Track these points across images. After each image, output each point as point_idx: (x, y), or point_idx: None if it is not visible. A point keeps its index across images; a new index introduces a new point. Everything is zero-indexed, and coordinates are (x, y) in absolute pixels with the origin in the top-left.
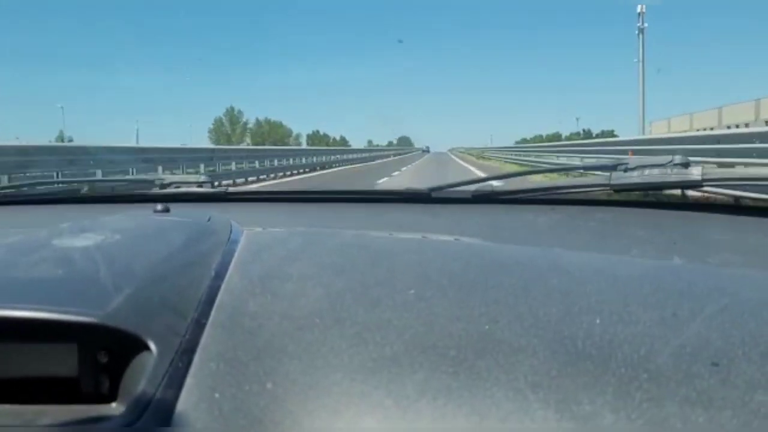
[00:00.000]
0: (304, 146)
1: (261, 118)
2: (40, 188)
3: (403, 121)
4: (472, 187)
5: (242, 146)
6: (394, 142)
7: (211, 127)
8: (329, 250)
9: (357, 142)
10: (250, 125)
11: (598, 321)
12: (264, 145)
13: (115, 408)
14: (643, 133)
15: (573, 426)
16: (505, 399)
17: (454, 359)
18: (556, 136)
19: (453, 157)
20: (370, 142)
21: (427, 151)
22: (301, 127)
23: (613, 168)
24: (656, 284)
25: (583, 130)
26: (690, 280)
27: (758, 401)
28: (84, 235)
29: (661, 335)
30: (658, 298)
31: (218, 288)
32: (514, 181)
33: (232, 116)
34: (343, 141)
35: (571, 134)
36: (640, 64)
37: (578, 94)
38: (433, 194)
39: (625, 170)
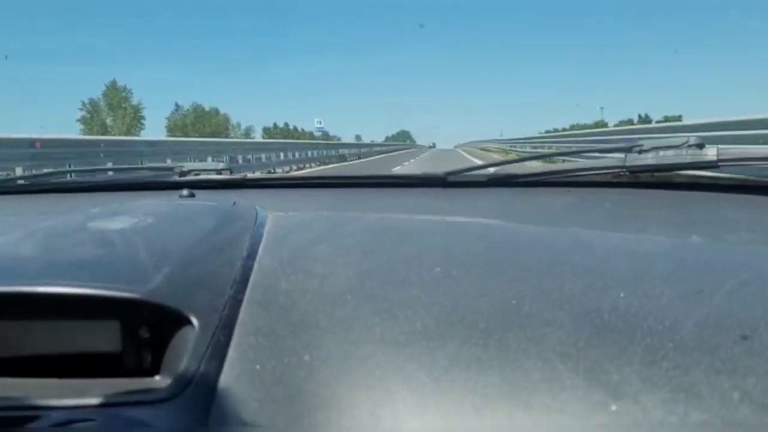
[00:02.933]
0: (257, 139)
1: (186, 104)
2: (60, 177)
3: (404, 114)
4: (488, 171)
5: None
6: (390, 137)
7: (83, 111)
8: (354, 232)
9: (344, 137)
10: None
11: (622, 295)
12: (189, 136)
13: (159, 381)
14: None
15: (602, 394)
16: (535, 369)
17: (483, 332)
18: (600, 124)
19: (464, 153)
20: (358, 137)
21: (432, 147)
22: (264, 120)
23: (627, 150)
24: (677, 261)
25: (641, 116)
26: (710, 257)
27: None
28: (118, 218)
29: (684, 308)
30: (679, 274)
31: (251, 268)
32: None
33: (114, 96)
34: (326, 136)
35: (621, 122)
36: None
37: (600, 81)
38: (449, 178)
39: (640, 152)
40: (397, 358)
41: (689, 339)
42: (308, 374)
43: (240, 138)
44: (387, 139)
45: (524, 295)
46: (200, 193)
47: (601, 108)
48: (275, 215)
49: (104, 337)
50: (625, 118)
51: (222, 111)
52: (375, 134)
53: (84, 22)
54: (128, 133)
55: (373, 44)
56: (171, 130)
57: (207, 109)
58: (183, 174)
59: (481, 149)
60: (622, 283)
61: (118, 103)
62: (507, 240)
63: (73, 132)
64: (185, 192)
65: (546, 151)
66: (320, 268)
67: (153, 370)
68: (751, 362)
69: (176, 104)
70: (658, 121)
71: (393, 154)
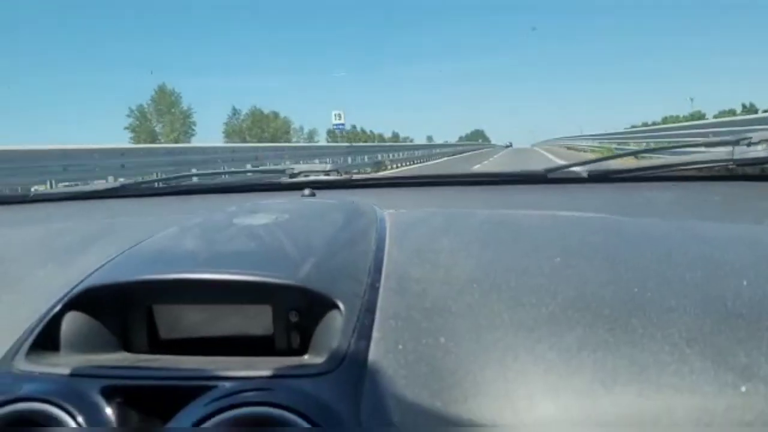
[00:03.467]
0: (321, 143)
1: (243, 108)
2: (186, 180)
3: (477, 113)
4: (587, 167)
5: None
6: (464, 137)
7: (130, 117)
8: (469, 226)
9: (416, 139)
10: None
11: (744, 283)
12: (245, 141)
13: (310, 359)
14: None
15: (732, 376)
16: (662, 352)
17: (608, 318)
18: (697, 116)
19: (544, 153)
20: (429, 138)
21: (509, 146)
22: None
23: (735, 143)
24: None
25: (745, 106)
26: None
27: None
28: (258, 215)
29: None
30: None
31: (381, 259)
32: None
33: (165, 99)
34: (395, 137)
35: (721, 112)
36: None
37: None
38: (549, 175)
39: (749, 144)
40: (526, 340)
41: None
42: (444, 354)
43: (304, 142)
44: (461, 138)
45: (646, 283)
46: (317, 193)
47: (691, 99)
48: (389, 212)
49: (257, 322)
50: (726, 108)
51: (282, 114)
52: (448, 134)
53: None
54: (178, 140)
55: (442, 49)
56: (228, 135)
57: (265, 113)
58: (293, 176)
59: (568, 148)
60: (743, 272)
61: (167, 108)
62: (620, 232)
63: (123, 140)
64: (307, 191)
65: (646, 147)
66: (444, 260)
67: (302, 351)
68: None
69: (233, 108)
70: (765, 111)
71: (466, 154)
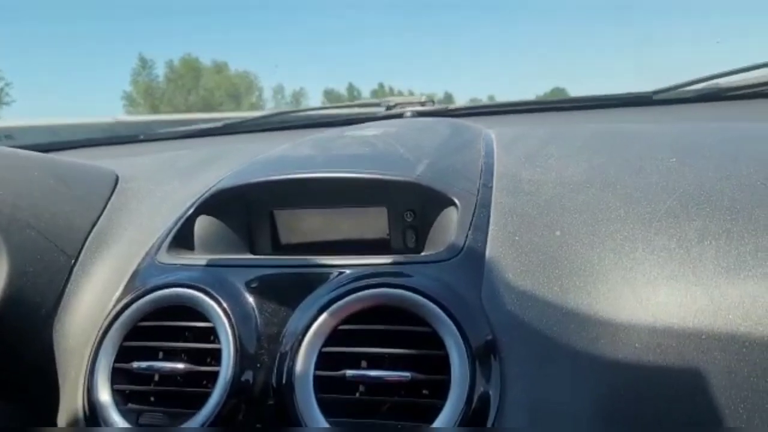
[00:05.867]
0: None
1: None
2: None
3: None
4: (697, 87)
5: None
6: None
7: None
8: (578, 135)
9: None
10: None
11: None
12: (157, 111)
13: (429, 253)
14: None
15: None
16: None
17: (730, 209)
18: None
19: None
20: (491, 98)
21: None
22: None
23: None
24: None
25: None
26: None
27: None
28: (368, 129)
29: None
30: None
31: (491, 163)
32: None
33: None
34: (448, 98)
35: None
36: None
37: None
38: (656, 96)
39: None
40: (644, 232)
41: None
42: (560, 246)
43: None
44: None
45: None
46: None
47: None
48: (495, 130)
49: (374, 223)
50: None
51: (237, 68)
52: (516, 93)
53: None
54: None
55: None
56: (131, 101)
57: (206, 65)
58: (390, 107)
59: None
60: None
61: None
62: (739, 134)
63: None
64: (409, 114)
65: None
66: (555, 163)
67: (416, 250)
68: None
69: (141, 59)
70: None
71: None
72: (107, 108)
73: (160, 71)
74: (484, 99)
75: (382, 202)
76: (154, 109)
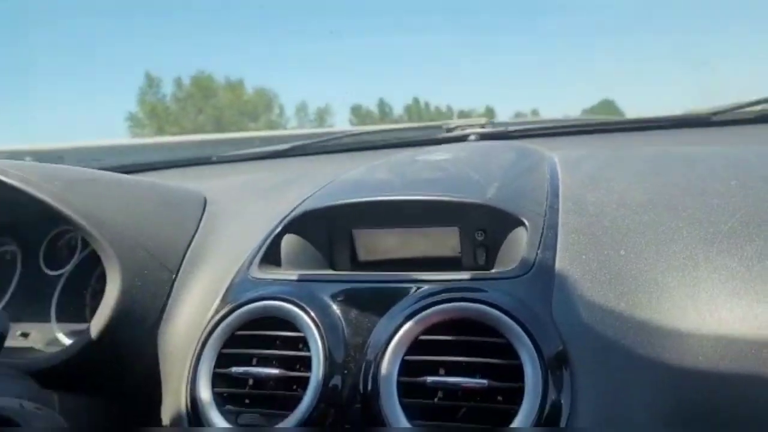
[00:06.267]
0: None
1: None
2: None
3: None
4: (758, 108)
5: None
6: (588, 109)
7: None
8: (638, 158)
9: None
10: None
11: None
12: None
13: (500, 270)
14: None
15: None
16: None
17: None
18: None
19: None
20: (535, 111)
21: None
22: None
23: None
24: None
25: None
26: None
27: None
28: (438, 154)
29: None
30: None
31: (557, 186)
32: None
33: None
34: (489, 112)
35: None
36: None
37: None
38: (714, 118)
39: None
40: (706, 252)
41: None
42: (624, 264)
43: (311, 128)
44: (584, 112)
45: None
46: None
47: None
48: (558, 153)
49: (446, 242)
50: None
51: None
52: (561, 107)
53: None
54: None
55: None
56: (135, 122)
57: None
58: (450, 129)
59: None
60: None
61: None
62: None
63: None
64: (473, 137)
65: None
66: (617, 185)
67: (487, 268)
68: None
69: (148, 77)
70: None
71: None
72: (106, 129)
73: (167, 89)
74: (527, 112)
75: (455, 223)
76: (160, 131)
